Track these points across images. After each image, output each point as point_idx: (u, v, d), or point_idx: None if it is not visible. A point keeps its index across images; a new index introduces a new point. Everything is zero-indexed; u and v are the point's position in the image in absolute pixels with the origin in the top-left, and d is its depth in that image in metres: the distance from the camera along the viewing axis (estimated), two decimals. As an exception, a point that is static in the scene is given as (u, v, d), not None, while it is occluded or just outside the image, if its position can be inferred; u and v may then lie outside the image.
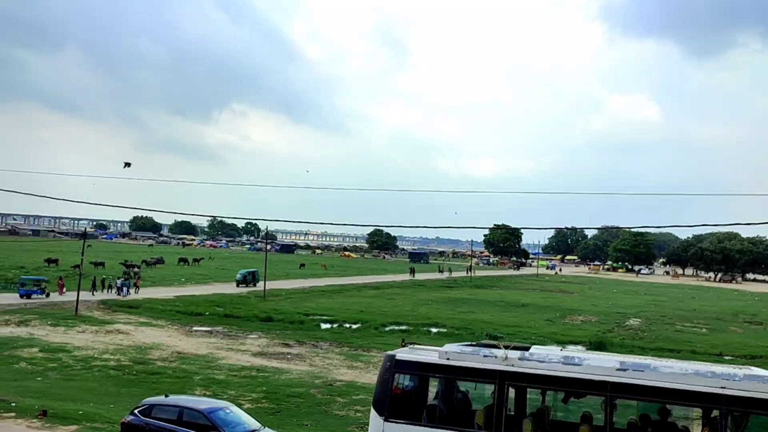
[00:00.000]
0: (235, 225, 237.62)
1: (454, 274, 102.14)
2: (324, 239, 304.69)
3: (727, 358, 36.88)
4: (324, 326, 43.98)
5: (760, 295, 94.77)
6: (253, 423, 16.26)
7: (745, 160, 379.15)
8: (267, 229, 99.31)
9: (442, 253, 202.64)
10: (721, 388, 11.39)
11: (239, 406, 18.40)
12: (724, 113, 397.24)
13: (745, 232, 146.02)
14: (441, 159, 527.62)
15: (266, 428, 16.50)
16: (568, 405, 13.64)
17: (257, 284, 64.27)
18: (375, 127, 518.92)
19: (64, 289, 51.38)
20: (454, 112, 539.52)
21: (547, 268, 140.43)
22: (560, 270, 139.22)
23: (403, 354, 13.99)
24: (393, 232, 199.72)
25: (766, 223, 50.58)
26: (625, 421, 12.59)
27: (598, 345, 37.97)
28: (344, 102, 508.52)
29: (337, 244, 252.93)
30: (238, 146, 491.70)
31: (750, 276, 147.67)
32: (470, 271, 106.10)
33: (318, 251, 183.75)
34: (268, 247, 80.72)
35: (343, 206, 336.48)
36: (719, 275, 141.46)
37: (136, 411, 16.04)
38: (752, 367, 12.78)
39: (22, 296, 48.13)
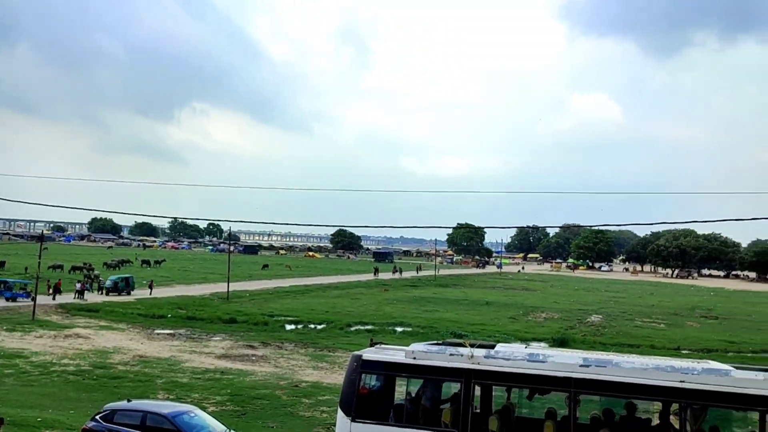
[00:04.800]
0: (197, 226, 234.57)
1: (407, 274, 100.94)
2: (288, 240, 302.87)
3: (684, 352, 37.75)
4: (289, 327, 43.67)
5: (715, 290, 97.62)
6: (218, 426, 16.05)
7: (704, 159, 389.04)
8: (230, 230, 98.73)
9: (406, 253, 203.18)
10: (680, 382, 11.65)
11: (203, 409, 18.18)
12: (684, 113, 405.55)
13: (701, 229, 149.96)
14: (407, 158, 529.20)
15: (232, 431, 16.34)
16: (533, 401, 13.83)
17: (131, 292, 56.63)
18: (341, 127, 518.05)
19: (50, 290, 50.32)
20: (421, 111, 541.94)
21: (497, 267, 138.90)
22: (523, 268, 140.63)
23: (370, 354, 13.99)
24: (357, 231, 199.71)
25: (721, 220, 51.77)
26: (588, 416, 12.82)
27: (561, 342, 38.58)
28: (309, 102, 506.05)
29: (301, 244, 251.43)
30: (200, 146, 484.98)
31: (705, 272, 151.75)
32: (419, 270, 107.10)
33: (282, 252, 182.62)
34: (231, 248, 79.95)
35: (307, 206, 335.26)
36: (676, 271, 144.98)
37: (97, 417, 15.70)
38: (710, 361, 13.08)
39: (8, 299, 47.97)
